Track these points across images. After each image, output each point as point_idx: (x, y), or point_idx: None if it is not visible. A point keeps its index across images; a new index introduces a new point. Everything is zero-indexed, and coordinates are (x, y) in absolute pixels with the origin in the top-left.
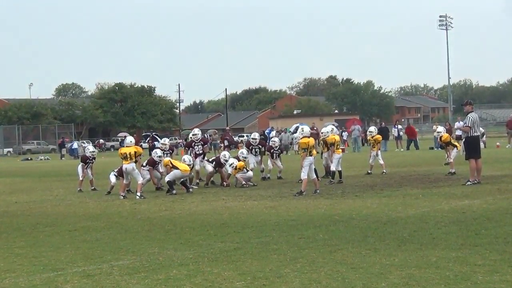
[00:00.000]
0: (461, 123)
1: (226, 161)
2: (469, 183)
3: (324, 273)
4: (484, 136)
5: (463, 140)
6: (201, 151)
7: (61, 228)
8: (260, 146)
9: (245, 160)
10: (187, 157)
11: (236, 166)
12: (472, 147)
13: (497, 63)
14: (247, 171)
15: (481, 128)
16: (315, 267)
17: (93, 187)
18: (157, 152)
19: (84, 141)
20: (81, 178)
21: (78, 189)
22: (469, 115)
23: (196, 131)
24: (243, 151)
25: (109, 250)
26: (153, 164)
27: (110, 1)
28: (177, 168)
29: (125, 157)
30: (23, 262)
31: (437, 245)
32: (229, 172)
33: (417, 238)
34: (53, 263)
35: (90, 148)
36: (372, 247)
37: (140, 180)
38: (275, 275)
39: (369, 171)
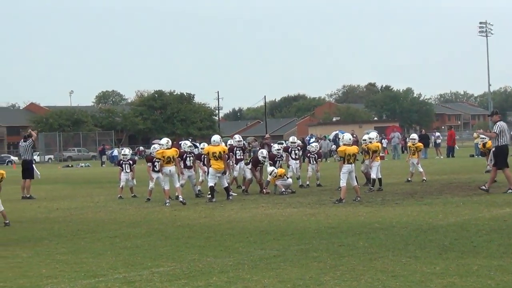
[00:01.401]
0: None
1: (264, 157)
2: (510, 191)
3: (364, 281)
4: None
5: (493, 149)
6: (241, 156)
7: (102, 235)
8: (299, 148)
9: (264, 161)
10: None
11: (276, 174)
12: (501, 156)
13: None
14: (287, 178)
15: None
16: (355, 275)
17: (133, 194)
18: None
19: (140, 146)
20: (121, 185)
21: (119, 196)
22: (497, 123)
23: (237, 137)
24: (262, 150)
25: (150, 256)
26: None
27: (149, 10)
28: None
29: (168, 161)
30: (64, 269)
31: (478, 253)
32: (268, 179)
33: (458, 246)
34: (94, 269)
35: (124, 151)
36: (412, 255)
37: (178, 184)
38: (315, 282)
39: (409, 179)
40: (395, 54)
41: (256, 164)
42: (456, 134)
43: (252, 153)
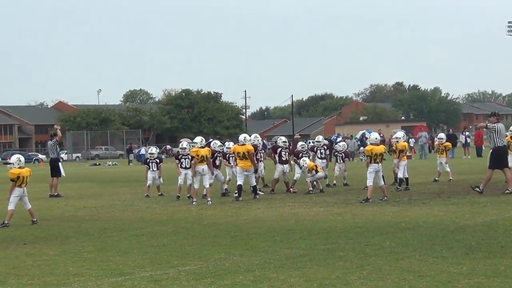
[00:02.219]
0: None
1: (284, 142)
2: (508, 191)
3: (390, 281)
4: None
5: (491, 150)
6: (285, 157)
7: (129, 233)
8: (325, 148)
9: (285, 145)
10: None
11: (307, 167)
12: (498, 158)
13: None
14: (317, 172)
15: None
16: (382, 275)
17: (160, 193)
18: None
19: (167, 145)
20: (148, 184)
21: (145, 194)
22: (494, 124)
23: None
24: (281, 137)
25: (176, 255)
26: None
27: (176, 9)
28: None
29: (202, 160)
30: (91, 267)
31: (506, 253)
32: (295, 178)
33: (485, 247)
34: (121, 267)
35: (151, 149)
36: (439, 255)
37: (208, 185)
38: (341, 282)
39: (436, 178)
40: (423, 54)
41: (275, 149)
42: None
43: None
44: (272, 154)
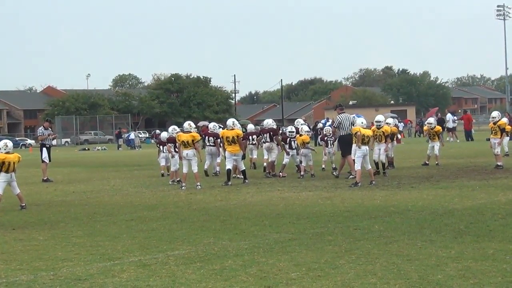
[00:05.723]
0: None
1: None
2: (351, 176)
3: (379, 265)
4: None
5: (337, 138)
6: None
7: (118, 218)
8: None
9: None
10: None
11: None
12: (345, 145)
13: None
14: (312, 149)
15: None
16: (370, 259)
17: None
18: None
19: (157, 130)
20: (173, 169)
21: (176, 179)
22: (337, 116)
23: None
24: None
25: (165, 240)
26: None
27: None
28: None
29: (185, 144)
30: (80, 251)
31: (494, 237)
32: (284, 163)
33: (473, 230)
34: (110, 252)
35: (163, 134)
36: (428, 238)
37: (196, 169)
38: (330, 266)
39: (426, 162)
40: (412, 38)
41: (285, 139)
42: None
43: None
44: (282, 143)
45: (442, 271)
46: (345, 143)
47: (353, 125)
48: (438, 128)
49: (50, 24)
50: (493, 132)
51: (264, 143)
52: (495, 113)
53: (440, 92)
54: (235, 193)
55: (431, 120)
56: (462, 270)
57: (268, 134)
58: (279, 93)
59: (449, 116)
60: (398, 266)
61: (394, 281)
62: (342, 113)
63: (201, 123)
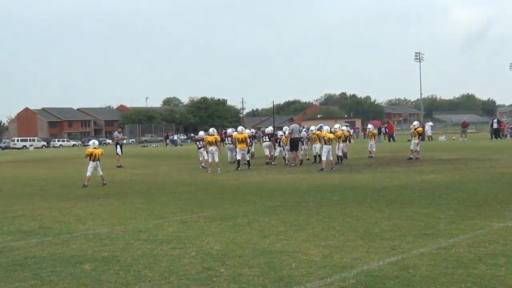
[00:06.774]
0: (430, 123)
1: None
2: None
3: (337, 223)
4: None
5: (288, 140)
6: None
7: (166, 191)
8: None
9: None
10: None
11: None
12: (293, 144)
13: (455, 82)
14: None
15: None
16: (332, 218)
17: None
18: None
19: (185, 134)
20: (204, 158)
21: (203, 165)
22: (290, 126)
23: (269, 129)
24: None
25: (197, 205)
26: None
27: (195, 41)
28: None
29: (210, 143)
30: (141, 213)
31: (413, 204)
32: (275, 154)
33: (399, 200)
34: (161, 214)
35: (200, 133)
36: (369, 205)
37: (217, 159)
38: (305, 223)
39: (370, 155)
40: (360, 72)
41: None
42: (395, 126)
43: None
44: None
45: (379, 226)
46: (295, 143)
47: (301, 132)
48: (374, 131)
49: (125, 58)
50: (413, 135)
51: (264, 142)
52: (416, 122)
53: (377, 109)
54: (243, 175)
55: (416, 123)
56: (392, 225)
57: (268, 136)
58: (271, 110)
59: (428, 125)
60: (350, 223)
61: (347, 233)
62: (293, 123)
63: (229, 130)
